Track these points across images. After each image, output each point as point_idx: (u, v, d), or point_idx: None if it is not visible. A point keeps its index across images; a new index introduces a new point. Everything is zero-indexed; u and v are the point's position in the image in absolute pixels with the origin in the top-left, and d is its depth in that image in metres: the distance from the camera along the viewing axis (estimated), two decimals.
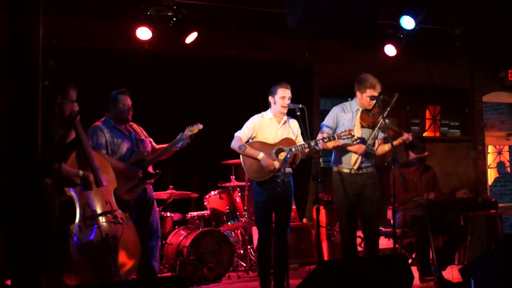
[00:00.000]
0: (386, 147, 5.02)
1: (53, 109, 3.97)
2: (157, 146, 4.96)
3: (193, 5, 6.14)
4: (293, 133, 4.91)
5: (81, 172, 4.10)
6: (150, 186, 4.84)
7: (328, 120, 5.05)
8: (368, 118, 4.93)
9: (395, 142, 4.88)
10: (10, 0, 2.81)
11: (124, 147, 4.67)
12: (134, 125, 4.89)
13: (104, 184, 4.17)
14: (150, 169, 4.80)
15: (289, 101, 4.82)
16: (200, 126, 4.93)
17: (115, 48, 6.51)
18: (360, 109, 4.98)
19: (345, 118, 4.99)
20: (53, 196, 3.83)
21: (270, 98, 4.90)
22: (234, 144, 4.84)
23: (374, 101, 4.90)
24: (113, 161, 4.56)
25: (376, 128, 4.93)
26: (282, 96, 4.82)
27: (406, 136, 4.96)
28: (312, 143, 4.65)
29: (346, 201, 4.91)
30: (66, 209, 4.02)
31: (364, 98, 4.94)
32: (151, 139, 4.98)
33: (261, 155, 4.72)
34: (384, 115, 4.78)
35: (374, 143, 5.01)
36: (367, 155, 4.93)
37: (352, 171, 4.93)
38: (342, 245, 5.06)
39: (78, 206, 4.06)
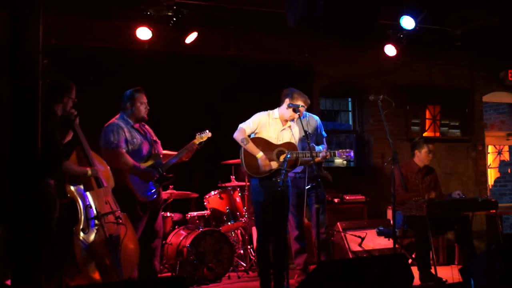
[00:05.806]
0: None
1: (56, 110, 3.97)
2: (162, 151, 4.91)
3: (193, 5, 6.14)
4: (294, 138, 4.89)
5: (89, 172, 4.11)
6: (161, 189, 4.84)
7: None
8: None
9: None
10: (10, 0, 2.81)
11: (144, 148, 4.63)
12: (146, 126, 4.82)
13: (104, 184, 4.20)
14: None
15: (298, 115, 4.75)
16: (209, 134, 4.93)
17: (115, 48, 6.50)
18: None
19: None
20: (55, 197, 3.84)
21: (287, 100, 4.81)
22: (238, 136, 4.76)
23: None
24: (132, 162, 4.51)
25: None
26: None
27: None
28: (314, 154, 4.68)
29: None
30: (68, 211, 4.03)
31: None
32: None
33: (260, 154, 4.69)
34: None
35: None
36: None
37: None
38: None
39: (81, 207, 4.06)
